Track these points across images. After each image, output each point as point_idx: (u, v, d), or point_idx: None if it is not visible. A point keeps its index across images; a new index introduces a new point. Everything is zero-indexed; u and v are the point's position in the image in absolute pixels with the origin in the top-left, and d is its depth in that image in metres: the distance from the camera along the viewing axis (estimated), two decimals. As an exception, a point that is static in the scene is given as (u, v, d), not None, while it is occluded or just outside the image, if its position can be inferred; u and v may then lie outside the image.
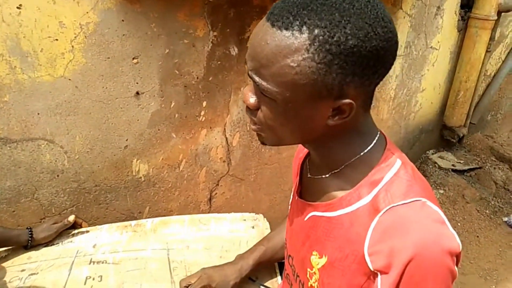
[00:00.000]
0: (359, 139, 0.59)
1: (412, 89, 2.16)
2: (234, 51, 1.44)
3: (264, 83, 0.52)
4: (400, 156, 0.58)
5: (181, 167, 1.55)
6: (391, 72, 1.96)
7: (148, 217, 1.41)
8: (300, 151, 0.78)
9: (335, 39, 0.47)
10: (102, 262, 1.07)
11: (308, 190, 0.69)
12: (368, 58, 0.49)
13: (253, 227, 1.23)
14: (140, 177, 1.47)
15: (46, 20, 1.08)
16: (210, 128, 1.54)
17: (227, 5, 1.33)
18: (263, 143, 0.62)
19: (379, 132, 0.61)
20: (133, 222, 1.23)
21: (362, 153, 0.59)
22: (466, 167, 2.41)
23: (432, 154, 2.51)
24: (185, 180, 1.59)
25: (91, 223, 1.38)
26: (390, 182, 0.55)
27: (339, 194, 0.60)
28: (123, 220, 1.37)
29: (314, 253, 0.63)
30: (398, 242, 0.50)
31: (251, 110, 0.58)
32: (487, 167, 2.45)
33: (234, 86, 1.51)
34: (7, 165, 1.21)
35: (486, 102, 2.57)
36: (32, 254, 1.11)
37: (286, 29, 0.48)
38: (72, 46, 1.15)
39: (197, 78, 1.42)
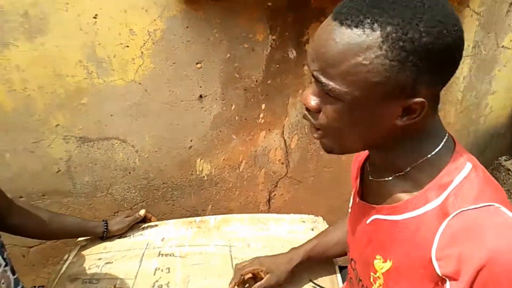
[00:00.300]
0: (427, 140, 0.57)
1: (481, 91, 2.03)
2: (292, 54, 1.46)
3: (331, 83, 0.51)
4: (470, 159, 0.56)
5: (241, 167, 1.59)
6: (457, 73, 1.85)
7: (211, 215, 1.46)
8: (359, 154, 0.77)
9: (408, 36, 0.46)
10: (170, 255, 1.13)
11: (370, 193, 0.67)
12: (440, 56, 0.48)
13: (312, 229, 1.23)
14: (203, 176, 1.53)
15: (118, 28, 1.18)
16: (269, 130, 1.57)
17: (286, 9, 1.35)
18: (329, 151, 0.60)
19: (447, 134, 0.59)
20: (198, 219, 1.28)
21: (429, 155, 0.56)
22: (546, 175, 2.20)
23: (505, 160, 2.32)
24: (245, 180, 1.62)
25: (158, 218, 1.45)
26: (460, 186, 0.53)
27: (405, 197, 0.58)
28: (188, 217, 1.44)
29: (378, 257, 0.61)
30: (469, 247, 0.48)
31: (312, 113, 0.57)
32: None
33: (292, 89, 1.52)
34: (85, 162, 1.33)
35: None
36: (107, 244, 1.20)
37: (357, 27, 0.48)
38: (142, 52, 1.24)
39: (256, 81, 1.45)
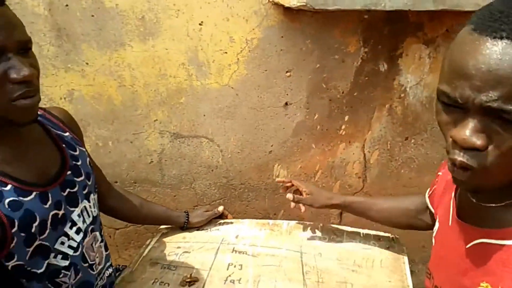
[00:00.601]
0: None
1: None
2: (383, 67, 1.44)
3: None
4: None
5: (316, 177, 1.60)
6: None
7: (282, 219, 1.49)
8: (447, 171, 0.74)
9: None
10: (243, 253, 1.18)
11: (470, 216, 0.64)
12: None
13: (388, 248, 1.20)
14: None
15: (220, 35, 1.26)
16: (349, 142, 1.56)
17: (382, 22, 1.34)
18: (475, 190, 0.56)
19: None
20: (271, 221, 1.32)
21: None
22: None
23: None
24: (319, 190, 1.63)
25: (233, 216, 1.52)
26: None
27: None
28: (260, 218, 1.48)
29: (484, 284, 0.58)
30: None
31: (474, 153, 0.49)
32: None
33: (379, 103, 1.50)
34: (175, 156, 1.44)
35: None
36: (186, 235, 1.29)
37: None
38: (238, 59, 1.31)
39: (342, 92, 1.45)
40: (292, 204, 1.19)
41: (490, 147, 0.48)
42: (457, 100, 0.47)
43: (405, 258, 1.15)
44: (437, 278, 0.71)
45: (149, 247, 1.24)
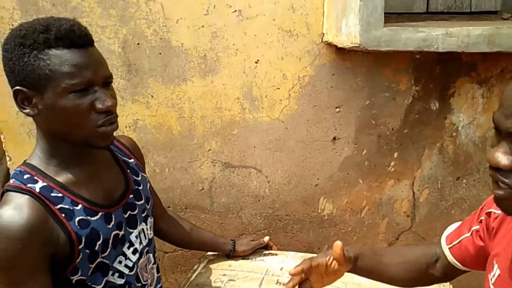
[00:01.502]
0: None
1: None
2: (434, 106, 1.44)
3: None
4: None
5: (363, 213, 1.59)
6: None
7: (328, 255, 1.49)
8: (504, 216, 0.72)
9: None
10: (287, 285, 1.19)
11: None
12: None
13: (437, 292, 1.16)
14: (324, 215, 1.57)
15: (273, 73, 1.34)
16: (398, 179, 1.55)
17: (434, 62, 1.35)
18: (508, 212, 0.60)
19: None
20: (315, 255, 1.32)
21: None
22: None
23: None
24: (365, 226, 1.61)
25: (277, 248, 1.54)
26: None
27: None
28: (303, 252, 1.49)
29: None
30: None
31: (506, 173, 0.56)
32: None
33: (430, 141, 1.48)
34: (224, 185, 1.50)
35: None
36: (232, 263, 1.32)
37: None
38: (289, 94, 1.37)
39: (392, 129, 1.46)
40: None
41: None
42: (494, 124, 0.55)
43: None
44: None
45: (196, 272, 1.29)
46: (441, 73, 1.39)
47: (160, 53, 1.28)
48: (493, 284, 0.72)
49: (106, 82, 0.80)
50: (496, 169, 0.56)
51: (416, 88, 1.41)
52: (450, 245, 0.88)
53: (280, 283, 1.21)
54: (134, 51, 1.30)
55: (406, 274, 0.96)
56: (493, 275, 0.72)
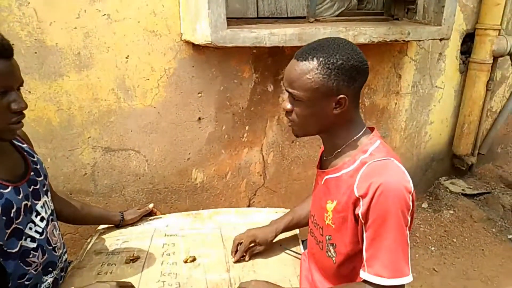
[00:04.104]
0: (353, 127, 0.97)
1: (421, 122, 2.53)
2: (270, 88, 1.90)
3: (295, 92, 0.90)
4: (380, 138, 0.97)
5: (227, 177, 1.98)
6: (400, 106, 2.35)
7: (203, 212, 1.82)
8: (321, 150, 1.18)
9: (331, 61, 0.89)
10: (174, 235, 1.47)
11: (325, 166, 1.07)
12: (350, 70, 0.90)
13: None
14: (197, 184, 1.90)
15: (143, 66, 1.59)
16: (251, 147, 1.98)
17: (266, 55, 1.81)
18: (296, 135, 1.00)
19: (366, 125, 1.00)
20: (194, 212, 1.64)
21: (355, 137, 0.97)
22: (475, 192, 2.68)
23: (445, 180, 2.80)
24: (229, 188, 2.00)
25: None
26: (372, 152, 0.93)
27: (341, 162, 0.98)
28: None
29: (328, 201, 1.00)
30: (374, 179, 0.87)
31: (288, 113, 0.96)
32: (495, 192, 2.71)
33: (270, 115, 1.95)
34: (106, 168, 1.69)
35: (493, 135, 2.87)
36: (123, 230, 1.52)
37: (305, 60, 0.89)
38: (158, 84, 1.64)
39: (242, 108, 1.88)
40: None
41: (293, 111, 0.94)
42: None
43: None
44: (312, 208, 1.13)
45: (91, 243, 1.45)
46: (272, 63, 1.85)
47: (36, 52, 1.39)
48: (313, 189, 1.16)
49: (20, 86, 0.96)
50: (285, 111, 0.98)
51: (256, 75, 1.84)
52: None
53: (167, 235, 1.48)
54: (7, 50, 1.38)
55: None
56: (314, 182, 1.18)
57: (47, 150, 1.54)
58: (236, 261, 1.29)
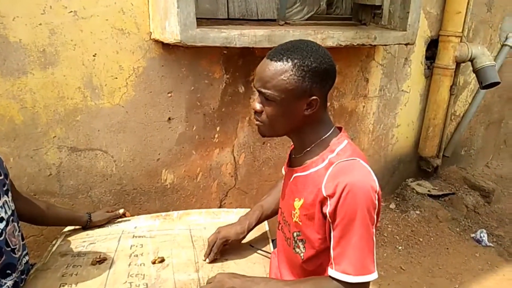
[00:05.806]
0: (322, 127, 0.99)
1: (388, 124, 2.60)
2: (241, 89, 1.91)
3: (268, 92, 0.91)
4: (347, 138, 1.00)
5: (198, 178, 1.97)
6: (368, 109, 2.42)
7: (173, 213, 1.80)
8: (291, 148, 1.20)
9: (306, 63, 0.90)
10: (142, 237, 1.45)
11: (293, 164, 1.08)
12: (322, 73, 0.92)
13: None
14: (167, 185, 1.88)
15: (111, 64, 1.56)
16: (222, 148, 1.98)
17: (237, 56, 1.82)
18: (263, 135, 1.01)
19: (335, 126, 1.02)
20: (163, 213, 1.62)
21: (323, 137, 0.99)
22: (441, 193, 2.78)
23: (411, 182, 2.89)
24: (200, 189, 1.99)
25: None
26: (339, 151, 0.95)
27: (310, 161, 0.99)
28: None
29: (296, 199, 1.01)
30: (340, 179, 0.89)
31: (258, 113, 0.97)
32: (459, 193, 2.82)
33: (241, 116, 1.96)
34: (72, 168, 1.64)
35: (457, 138, 2.99)
36: (89, 232, 1.49)
37: (280, 60, 0.89)
38: (127, 83, 1.62)
39: (213, 108, 1.88)
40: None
41: (264, 111, 0.95)
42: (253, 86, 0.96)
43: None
44: (281, 204, 1.14)
45: (56, 245, 1.41)
46: (243, 64, 1.86)
47: (-3, 48, 1.35)
48: (282, 187, 1.17)
49: None
50: (255, 112, 0.98)
51: (227, 76, 1.85)
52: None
53: (136, 236, 1.46)
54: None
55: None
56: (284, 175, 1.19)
57: (9, 149, 1.49)
58: (211, 262, 1.29)
